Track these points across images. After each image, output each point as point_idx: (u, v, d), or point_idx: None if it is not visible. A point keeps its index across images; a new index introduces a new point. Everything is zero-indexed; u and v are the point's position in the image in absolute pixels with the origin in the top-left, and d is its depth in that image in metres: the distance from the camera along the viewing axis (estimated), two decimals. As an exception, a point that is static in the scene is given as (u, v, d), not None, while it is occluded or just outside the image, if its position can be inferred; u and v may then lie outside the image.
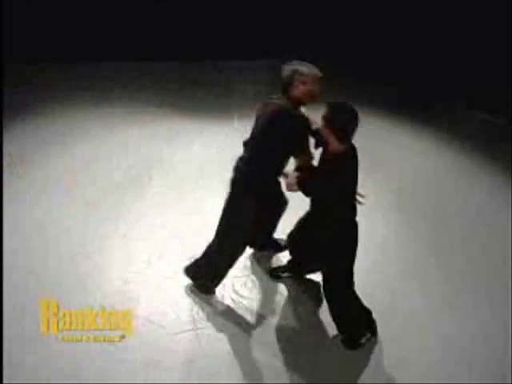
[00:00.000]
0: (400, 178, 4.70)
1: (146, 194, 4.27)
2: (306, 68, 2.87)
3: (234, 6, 6.78)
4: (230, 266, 3.23)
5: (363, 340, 3.04)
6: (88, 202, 4.12)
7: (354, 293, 2.97)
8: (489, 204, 4.40)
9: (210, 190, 4.31)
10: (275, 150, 2.90)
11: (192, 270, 3.32)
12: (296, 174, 2.87)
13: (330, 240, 2.82)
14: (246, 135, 3.06)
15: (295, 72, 2.86)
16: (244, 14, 6.77)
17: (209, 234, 3.76)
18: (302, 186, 2.77)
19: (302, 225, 3.17)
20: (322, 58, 6.23)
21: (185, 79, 6.41)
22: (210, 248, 3.24)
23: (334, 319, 3.02)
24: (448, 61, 6.47)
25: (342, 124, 2.65)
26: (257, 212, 3.02)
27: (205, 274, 3.27)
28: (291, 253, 3.40)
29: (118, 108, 5.65)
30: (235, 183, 3.08)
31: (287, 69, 2.90)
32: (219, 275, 3.26)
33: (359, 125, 2.73)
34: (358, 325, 3.06)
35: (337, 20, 6.79)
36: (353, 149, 2.76)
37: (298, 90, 2.86)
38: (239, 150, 3.13)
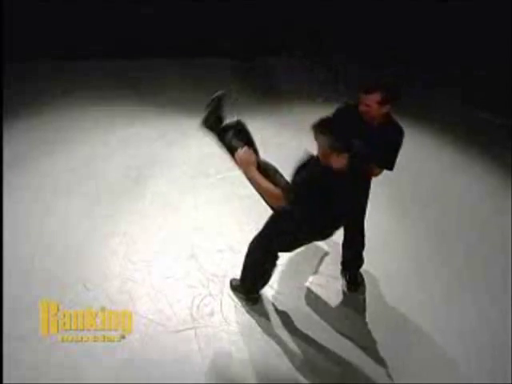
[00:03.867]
0: (399, 175, 4.67)
1: (146, 193, 4.26)
2: None
3: (235, 5, 6.77)
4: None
5: (359, 279, 3.44)
6: (88, 201, 4.11)
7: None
8: (487, 202, 4.40)
9: (210, 189, 4.32)
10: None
11: (240, 286, 3.27)
12: None
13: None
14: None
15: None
16: (245, 13, 6.76)
17: (208, 234, 3.82)
18: None
19: None
20: (322, 55, 6.39)
21: (186, 78, 6.39)
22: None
23: (352, 260, 3.42)
24: (447, 58, 6.45)
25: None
26: None
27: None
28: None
29: (118, 107, 5.62)
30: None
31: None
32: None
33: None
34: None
35: (336, 17, 6.78)
36: None
37: (336, 162, 2.65)
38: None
